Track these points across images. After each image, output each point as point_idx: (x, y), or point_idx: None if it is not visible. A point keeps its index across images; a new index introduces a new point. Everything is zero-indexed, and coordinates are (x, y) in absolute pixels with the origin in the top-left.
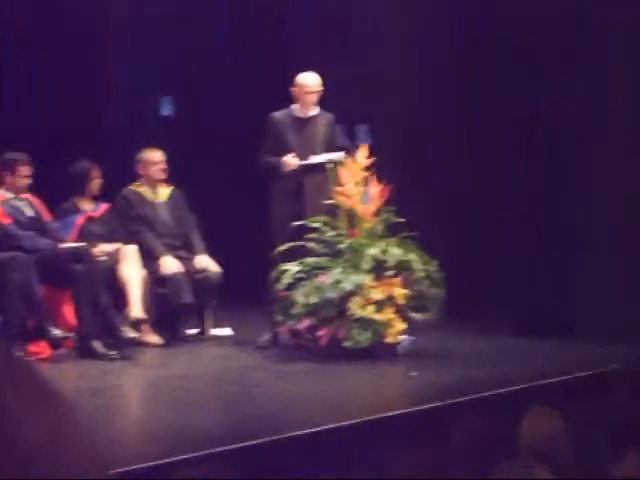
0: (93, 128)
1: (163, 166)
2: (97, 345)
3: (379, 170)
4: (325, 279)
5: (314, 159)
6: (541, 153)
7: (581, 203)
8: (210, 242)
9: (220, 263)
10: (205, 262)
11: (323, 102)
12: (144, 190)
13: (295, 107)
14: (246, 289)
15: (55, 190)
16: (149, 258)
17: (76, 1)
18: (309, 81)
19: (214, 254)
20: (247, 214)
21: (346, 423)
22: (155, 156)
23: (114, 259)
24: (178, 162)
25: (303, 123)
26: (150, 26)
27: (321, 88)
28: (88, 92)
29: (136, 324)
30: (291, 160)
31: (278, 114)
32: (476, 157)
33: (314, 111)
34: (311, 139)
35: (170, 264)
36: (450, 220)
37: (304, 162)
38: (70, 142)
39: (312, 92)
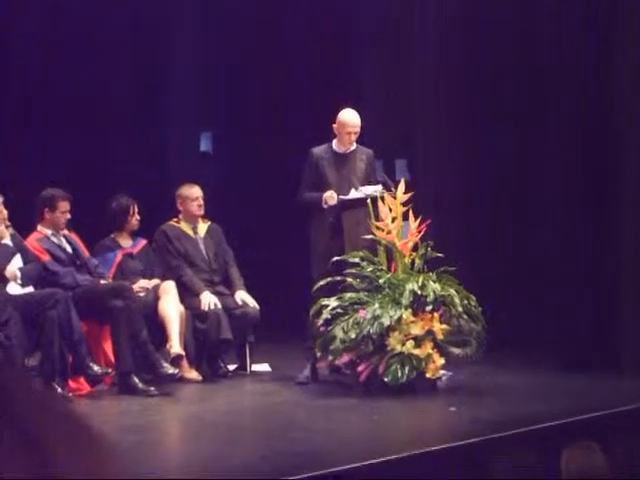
0: (130, 164)
1: (200, 202)
2: (136, 381)
3: (417, 204)
4: (364, 314)
5: (353, 194)
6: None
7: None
8: (248, 278)
9: (258, 299)
10: (243, 298)
11: (362, 137)
12: (183, 226)
13: (335, 142)
14: (284, 325)
15: (92, 226)
16: (188, 294)
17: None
18: (350, 120)
19: (252, 290)
20: (285, 249)
21: (387, 458)
22: (193, 192)
23: (153, 295)
24: (216, 198)
25: (342, 159)
26: (190, 63)
27: (359, 127)
28: (125, 128)
29: (175, 360)
30: (332, 196)
31: (318, 149)
32: (520, 190)
33: (353, 147)
34: (350, 175)
35: (209, 300)
36: (489, 254)
37: (343, 197)
38: (108, 178)
39: (352, 132)
